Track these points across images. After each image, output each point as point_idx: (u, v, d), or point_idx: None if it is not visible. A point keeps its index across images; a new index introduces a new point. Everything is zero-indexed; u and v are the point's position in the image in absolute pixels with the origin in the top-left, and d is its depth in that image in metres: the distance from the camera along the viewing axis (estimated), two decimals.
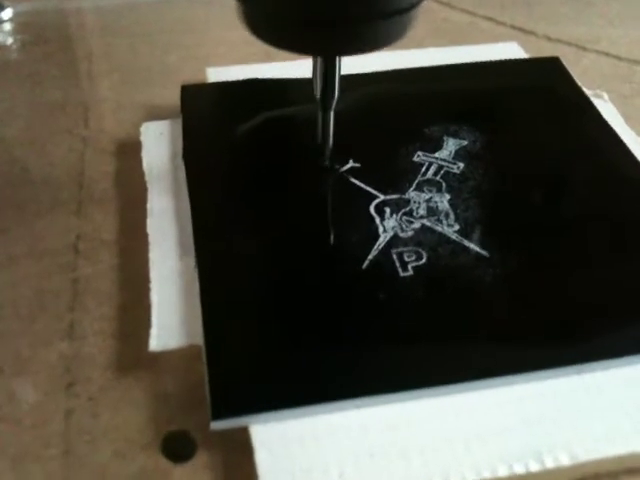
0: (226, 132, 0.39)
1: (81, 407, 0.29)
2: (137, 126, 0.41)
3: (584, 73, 0.46)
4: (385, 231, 0.34)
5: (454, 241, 0.34)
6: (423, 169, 0.38)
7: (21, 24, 0.52)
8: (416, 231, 0.34)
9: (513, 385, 0.28)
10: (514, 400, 0.28)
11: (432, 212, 0.35)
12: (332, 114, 0.35)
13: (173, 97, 0.42)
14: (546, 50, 0.49)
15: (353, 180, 0.37)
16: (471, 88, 0.44)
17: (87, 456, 0.27)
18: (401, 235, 0.34)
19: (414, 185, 0.37)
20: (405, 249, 0.33)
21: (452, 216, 0.35)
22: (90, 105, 0.45)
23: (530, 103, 0.43)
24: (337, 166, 0.38)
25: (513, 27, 0.53)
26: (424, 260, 0.33)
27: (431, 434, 0.27)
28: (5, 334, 0.31)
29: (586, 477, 0.27)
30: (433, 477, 0.26)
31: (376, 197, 0.36)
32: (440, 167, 0.38)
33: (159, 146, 0.40)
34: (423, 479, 0.26)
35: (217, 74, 0.45)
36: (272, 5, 0.30)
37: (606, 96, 0.44)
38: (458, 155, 0.39)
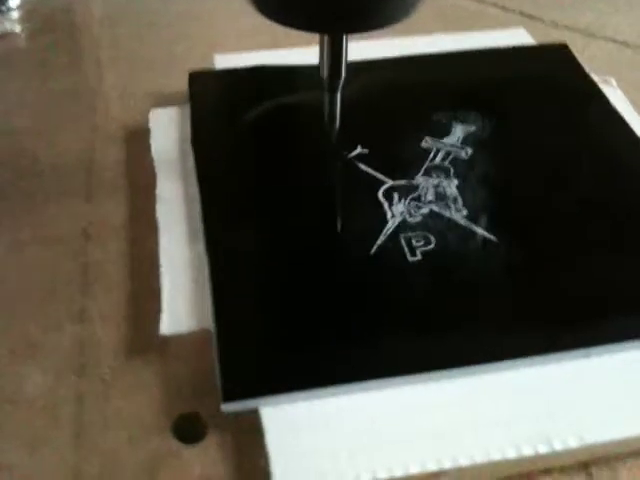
0: (234, 118, 0.40)
1: (93, 390, 0.29)
2: (145, 113, 0.41)
3: (591, 60, 0.46)
4: (393, 216, 0.34)
5: (462, 226, 0.34)
6: (431, 155, 0.38)
7: (29, 12, 0.52)
8: (424, 216, 0.34)
9: (521, 369, 0.29)
10: (522, 384, 0.28)
11: (440, 197, 0.35)
12: (339, 95, 0.35)
13: (180, 84, 0.42)
14: (553, 37, 0.49)
15: (361, 166, 0.37)
16: (479, 74, 0.44)
17: (99, 439, 0.28)
18: (409, 220, 0.34)
19: (422, 170, 0.37)
20: (413, 234, 0.33)
21: (460, 201, 0.35)
22: (98, 93, 0.45)
23: (538, 89, 0.43)
24: (345, 152, 0.38)
25: (521, 13, 0.53)
26: (432, 245, 0.33)
27: (440, 417, 0.27)
28: (17, 318, 0.32)
29: (594, 459, 0.27)
30: (442, 459, 0.26)
31: (384, 183, 0.36)
32: (448, 153, 0.38)
33: (167, 132, 0.40)
34: (433, 461, 0.26)
35: (225, 61, 0.45)
36: None
37: (614, 82, 0.44)
38: (466, 141, 0.39)
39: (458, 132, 0.39)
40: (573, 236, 0.34)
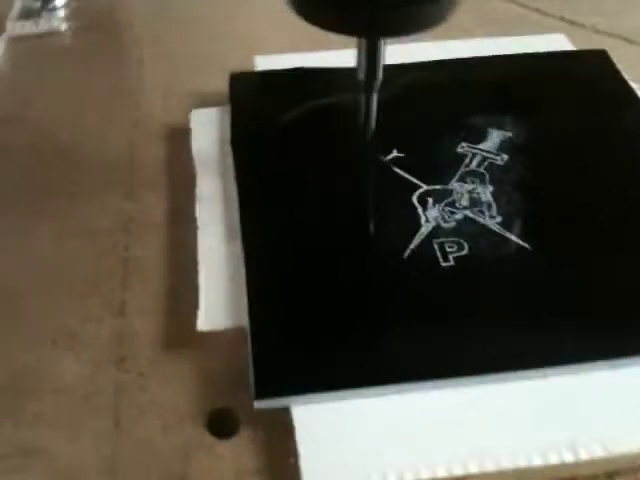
0: (273, 119, 0.40)
1: (130, 381, 0.30)
2: (186, 112, 0.42)
3: (631, 66, 0.46)
4: (427, 221, 0.34)
5: (496, 233, 0.34)
6: (467, 160, 0.38)
7: (74, 11, 0.54)
8: (458, 222, 0.35)
9: (548, 377, 0.29)
10: (549, 392, 0.28)
11: (475, 203, 0.35)
12: (375, 97, 0.35)
13: (220, 84, 0.43)
14: (593, 42, 0.49)
15: (397, 170, 0.37)
16: (517, 79, 0.43)
17: (135, 428, 0.28)
18: (443, 225, 0.34)
19: (457, 176, 0.37)
20: (447, 239, 0.34)
21: (494, 208, 0.35)
22: (141, 91, 0.46)
23: (576, 96, 0.42)
24: (381, 155, 0.38)
25: (562, 19, 0.52)
26: (465, 251, 0.33)
27: (468, 422, 0.28)
28: (58, 310, 0.33)
29: (619, 469, 0.27)
30: (469, 463, 0.26)
31: (419, 187, 0.36)
32: (484, 158, 0.38)
33: (208, 133, 0.41)
34: (460, 464, 0.26)
35: (265, 62, 0.45)
36: None
37: None
38: (502, 147, 0.39)
39: (494, 138, 0.39)
40: (608, 247, 0.33)
